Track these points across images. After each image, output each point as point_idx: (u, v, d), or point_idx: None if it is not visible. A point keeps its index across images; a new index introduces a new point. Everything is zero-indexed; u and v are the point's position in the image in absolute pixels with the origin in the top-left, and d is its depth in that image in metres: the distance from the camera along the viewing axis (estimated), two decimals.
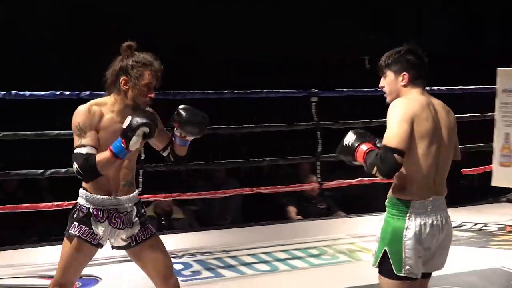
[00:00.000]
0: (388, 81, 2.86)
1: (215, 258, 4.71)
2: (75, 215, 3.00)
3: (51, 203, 4.81)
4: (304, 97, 5.55)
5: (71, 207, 4.59)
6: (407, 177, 2.72)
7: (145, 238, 3.08)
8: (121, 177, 3.03)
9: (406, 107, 2.70)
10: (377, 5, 12.99)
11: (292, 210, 6.52)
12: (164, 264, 3.10)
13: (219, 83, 7.59)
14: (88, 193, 2.99)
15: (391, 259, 2.72)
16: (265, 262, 4.65)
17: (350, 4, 12.71)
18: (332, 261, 4.76)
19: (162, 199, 5.53)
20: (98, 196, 2.99)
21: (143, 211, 3.14)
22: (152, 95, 2.99)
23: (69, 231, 2.97)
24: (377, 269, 2.81)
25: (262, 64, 11.69)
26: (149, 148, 4.98)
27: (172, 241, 5.08)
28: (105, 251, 4.71)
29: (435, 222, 2.74)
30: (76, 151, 2.86)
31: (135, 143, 2.84)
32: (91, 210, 2.99)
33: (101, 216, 2.99)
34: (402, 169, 2.68)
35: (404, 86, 2.81)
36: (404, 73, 2.81)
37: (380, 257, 2.77)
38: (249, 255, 4.79)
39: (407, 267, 2.70)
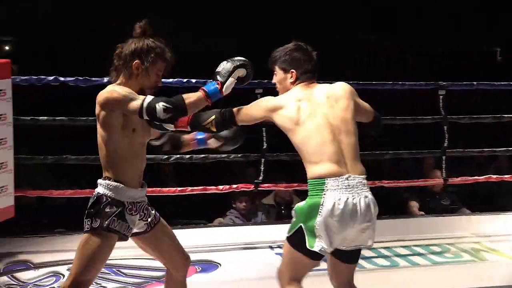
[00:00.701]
0: (278, 79, 3.02)
1: None
2: (107, 209, 2.86)
3: (174, 189, 4.91)
4: (428, 90, 5.41)
5: (193, 193, 4.74)
6: (305, 159, 2.88)
7: (156, 222, 3.07)
8: (141, 168, 3.00)
9: (269, 101, 2.95)
10: (377, 5, 12.70)
11: (414, 205, 6.37)
12: (177, 241, 3.12)
13: None
14: (121, 185, 2.89)
15: (306, 234, 2.79)
16: (385, 257, 4.57)
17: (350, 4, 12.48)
18: (455, 259, 4.61)
19: (283, 188, 5.54)
20: (131, 189, 2.92)
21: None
22: (160, 84, 2.95)
23: (110, 226, 2.85)
24: None
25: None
26: (270, 137, 5.05)
27: None
28: (225, 238, 4.80)
29: (352, 200, 2.78)
30: (146, 101, 2.75)
31: (230, 85, 2.81)
32: (125, 203, 2.91)
33: (134, 209, 2.94)
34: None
35: (292, 83, 2.97)
36: (292, 70, 2.96)
37: (294, 231, 2.85)
38: (368, 249, 4.70)
39: (319, 243, 2.77)
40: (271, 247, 4.67)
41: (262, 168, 4.98)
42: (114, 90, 2.83)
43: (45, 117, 4.70)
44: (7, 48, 16.28)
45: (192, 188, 4.79)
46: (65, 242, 4.67)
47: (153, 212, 3.06)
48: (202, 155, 4.89)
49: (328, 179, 2.80)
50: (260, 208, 5.98)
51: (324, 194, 2.79)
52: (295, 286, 2.92)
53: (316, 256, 2.84)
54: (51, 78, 4.62)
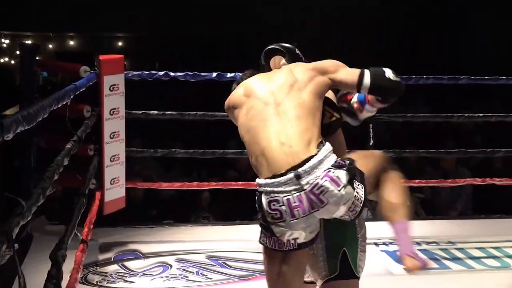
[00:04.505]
0: None
1: (441, 249, 4.56)
2: None
3: None
4: None
5: None
6: None
7: None
8: None
9: None
10: None
11: None
12: None
13: None
14: None
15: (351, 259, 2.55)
16: (495, 257, 4.42)
17: None
18: None
19: None
20: None
21: None
22: None
23: None
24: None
25: None
26: (376, 133, 5.00)
27: None
28: None
29: None
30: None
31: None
32: None
33: None
34: None
35: None
36: None
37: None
38: (477, 248, 4.57)
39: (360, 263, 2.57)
40: (376, 244, 4.62)
41: None
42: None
43: (155, 112, 4.83)
44: (120, 43, 16.87)
45: None
46: (173, 233, 4.80)
47: None
48: None
49: None
50: (366, 204, 5.91)
51: None
52: None
53: None
54: (161, 73, 4.73)
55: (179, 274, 4.02)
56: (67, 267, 2.76)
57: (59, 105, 2.74)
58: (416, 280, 4.05)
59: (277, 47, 2.78)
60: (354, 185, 2.33)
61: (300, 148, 2.32)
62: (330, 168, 2.28)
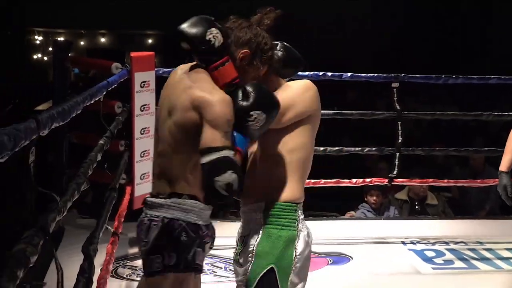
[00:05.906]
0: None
1: (469, 249, 4.54)
2: (198, 240, 2.17)
3: (307, 180, 4.91)
4: None
5: (326, 185, 4.74)
6: (296, 172, 2.32)
7: None
8: None
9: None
10: None
11: None
12: None
13: None
14: (201, 205, 2.18)
15: (279, 278, 2.21)
16: None
17: None
18: None
19: (417, 184, 5.45)
20: (208, 210, 2.24)
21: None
22: None
23: (197, 262, 2.19)
24: None
25: None
26: (406, 131, 4.99)
27: (425, 227, 5.02)
28: (357, 232, 4.79)
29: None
30: (225, 153, 2.00)
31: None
32: (203, 229, 2.22)
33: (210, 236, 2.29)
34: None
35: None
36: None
37: (261, 275, 2.22)
38: (506, 249, 4.55)
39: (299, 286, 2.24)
40: (403, 243, 4.61)
41: (396, 163, 4.92)
42: (228, 108, 2.08)
43: None
44: (150, 41, 16.98)
45: (326, 180, 4.80)
46: None
47: None
48: (336, 148, 4.90)
49: (300, 204, 2.30)
50: (393, 202, 5.91)
51: (297, 224, 2.26)
52: None
53: None
54: None
55: (207, 269, 4.05)
56: (98, 260, 2.82)
57: (92, 101, 2.78)
58: (444, 280, 4.06)
59: None
60: (157, 253, 2.13)
61: (163, 182, 2.19)
62: (159, 218, 2.13)
